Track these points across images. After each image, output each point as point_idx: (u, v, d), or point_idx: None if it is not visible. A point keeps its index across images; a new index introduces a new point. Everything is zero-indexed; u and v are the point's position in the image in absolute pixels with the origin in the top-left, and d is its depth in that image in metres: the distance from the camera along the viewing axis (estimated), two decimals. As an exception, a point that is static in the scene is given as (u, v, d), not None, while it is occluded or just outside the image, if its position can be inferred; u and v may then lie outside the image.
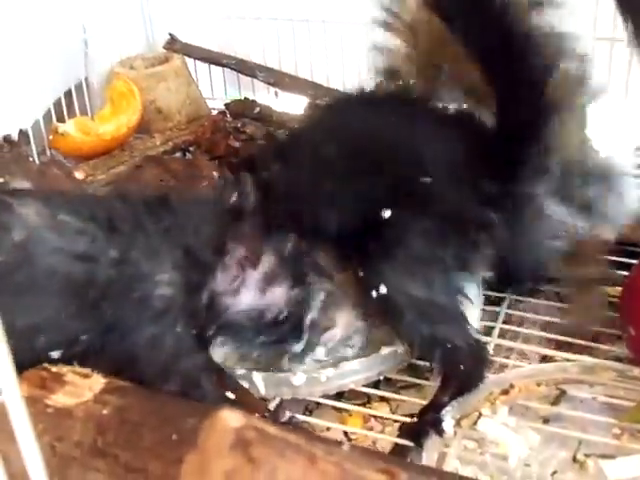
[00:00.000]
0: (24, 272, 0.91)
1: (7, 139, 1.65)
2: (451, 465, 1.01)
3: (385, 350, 1.18)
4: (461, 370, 1.10)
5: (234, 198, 1.04)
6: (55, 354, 0.94)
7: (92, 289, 0.95)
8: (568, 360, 1.20)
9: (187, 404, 0.89)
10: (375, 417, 1.18)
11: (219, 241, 1.02)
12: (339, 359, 1.17)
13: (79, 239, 0.96)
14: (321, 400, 1.18)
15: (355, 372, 1.16)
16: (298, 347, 1.12)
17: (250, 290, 1.04)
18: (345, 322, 1.15)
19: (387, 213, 1.11)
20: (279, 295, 1.06)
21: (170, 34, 1.98)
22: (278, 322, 1.07)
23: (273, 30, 1.95)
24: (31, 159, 1.69)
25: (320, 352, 1.15)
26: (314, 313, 1.11)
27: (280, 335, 1.09)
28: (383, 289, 1.10)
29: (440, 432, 1.03)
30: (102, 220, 0.99)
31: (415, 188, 1.12)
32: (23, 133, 1.71)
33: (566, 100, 1.11)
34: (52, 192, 1.09)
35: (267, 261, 1.04)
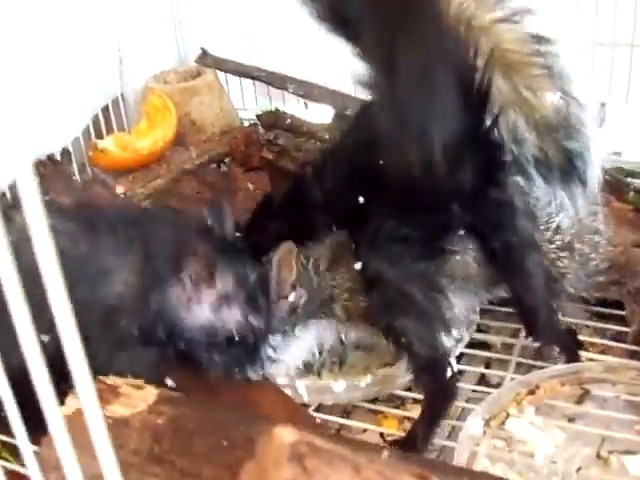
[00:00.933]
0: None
1: (50, 158, 1.72)
2: (481, 463, 1.07)
3: None
4: (418, 381, 1.16)
5: (209, 221, 1.13)
6: (44, 338, 1.01)
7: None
8: (592, 360, 1.26)
9: (236, 413, 0.96)
10: (409, 419, 1.23)
11: (177, 256, 1.07)
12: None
13: (59, 238, 1.04)
14: (358, 403, 1.25)
15: (392, 378, 1.24)
16: (252, 374, 1.16)
17: (203, 308, 1.09)
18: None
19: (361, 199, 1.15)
20: (234, 317, 1.10)
21: (202, 48, 2.04)
22: (231, 343, 1.11)
23: (302, 42, 2.00)
24: (74, 177, 1.76)
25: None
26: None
27: (233, 356, 1.13)
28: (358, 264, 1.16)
29: None
30: (82, 222, 1.08)
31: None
32: (66, 151, 1.78)
33: None
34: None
35: (223, 282, 1.09)
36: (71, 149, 1.82)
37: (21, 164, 0.47)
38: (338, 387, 1.22)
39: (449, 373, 1.16)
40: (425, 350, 1.14)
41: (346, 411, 1.26)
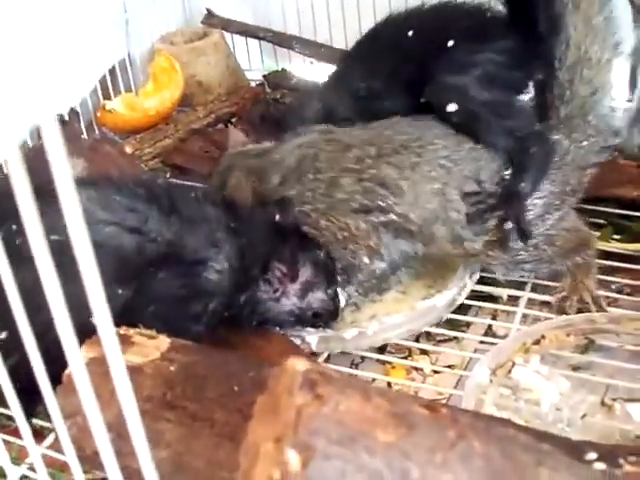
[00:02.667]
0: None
1: (60, 119, 1.72)
2: (488, 411, 1.09)
3: (423, 305, 1.28)
4: (531, 154, 1.28)
5: (277, 218, 1.23)
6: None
7: (139, 257, 1.08)
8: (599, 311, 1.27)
9: (245, 359, 0.98)
10: (416, 369, 1.26)
11: (265, 260, 1.19)
12: None
13: (129, 215, 1.09)
14: (366, 354, 1.27)
15: (398, 326, 1.27)
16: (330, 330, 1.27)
17: (290, 298, 1.22)
18: None
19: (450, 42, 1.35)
20: (318, 297, 1.23)
21: (207, 9, 2.05)
22: (316, 316, 1.24)
23: (307, 2, 2.01)
24: (83, 136, 1.77)
25: None
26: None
27: (318, 325, 1.26)
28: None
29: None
30: (162, 204, 1.12)
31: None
32: (74, 112, 1.79)
33: None
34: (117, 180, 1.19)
35: (305, 272, 1.21)
36: (79, 110, 1.83)
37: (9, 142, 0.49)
38: (349, 335, 1.25)
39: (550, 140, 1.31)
40: (529, 130, 1.31)
41: (355, 362, 1.28)
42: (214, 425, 0.87)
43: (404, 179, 1.28)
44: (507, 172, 1.29)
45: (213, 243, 1.14)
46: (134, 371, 0.93)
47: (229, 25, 2.06)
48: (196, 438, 0.88)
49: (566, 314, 1.26)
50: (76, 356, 0.56)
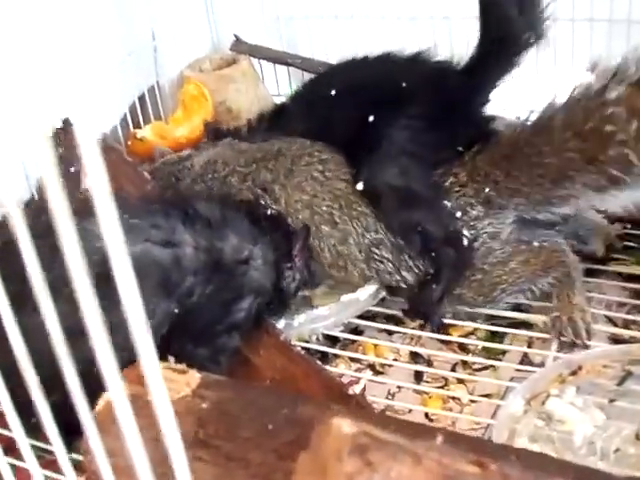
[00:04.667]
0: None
1: (67, 123, 1.64)
2: (519, 442, 1.07)
3: (346, 297, 1.37)
4: (444, 259, 1.28)
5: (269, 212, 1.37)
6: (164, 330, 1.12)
7: (176, 269, 1.14)
8: (634, 337, 1.26)
9: (277, 394, 0.97)
10: (453, 398, 1.25)
11: (289, 253, 1.32)
12: None
13: (155, 232, 1.13)
14: (402, 384, 1.27)
15: (324, 317, 1.37)
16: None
17: (298, 272, 1.34)
18: None
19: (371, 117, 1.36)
20: (308, 267, 1.36)
21: (235, 36, 2.05)
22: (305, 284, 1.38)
23: (335, 28, 2.01)
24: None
25: None
26: None
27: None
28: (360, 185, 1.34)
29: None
30: (184, 215, 1.18)
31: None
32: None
33: None
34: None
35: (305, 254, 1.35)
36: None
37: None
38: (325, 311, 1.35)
39: (465, 243, 1.28)
40: (440, 230, 1.28)
41: (391, 392, 1.28)
42: (249, 465, 0.85)
43: (278, 184, 1.41)
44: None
45: (250, 241, 1.23)
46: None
47: (257, 51, 2.06)
48: (231, 478, 0.86)
49: (561, 335, 1.27)
50: (120, 394, 0.55)
